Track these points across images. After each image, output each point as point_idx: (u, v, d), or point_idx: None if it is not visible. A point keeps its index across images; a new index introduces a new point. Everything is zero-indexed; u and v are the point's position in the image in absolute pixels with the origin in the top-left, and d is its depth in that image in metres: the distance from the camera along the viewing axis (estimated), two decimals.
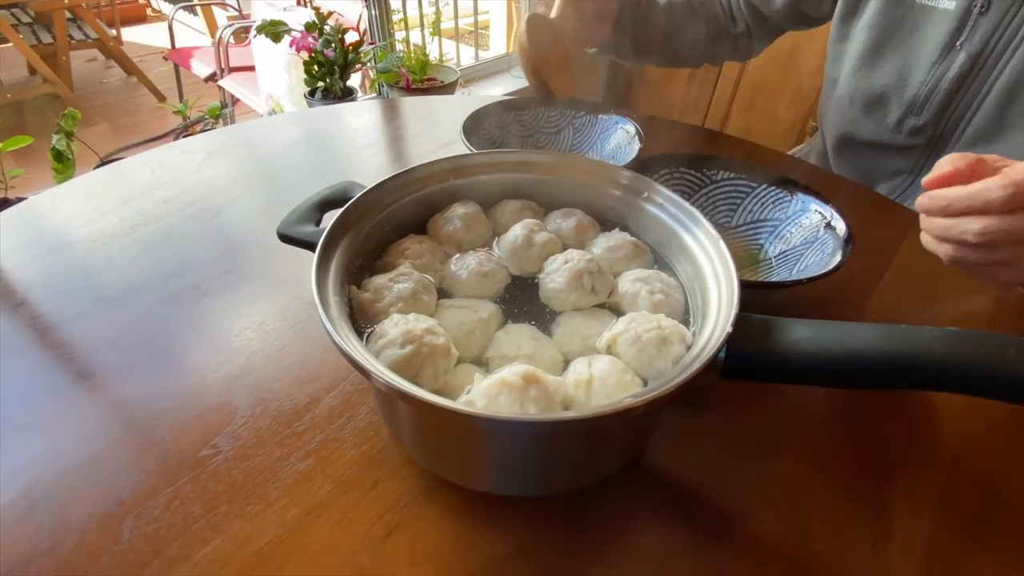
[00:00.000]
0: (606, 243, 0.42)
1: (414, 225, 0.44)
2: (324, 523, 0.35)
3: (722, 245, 0.35)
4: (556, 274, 0.38)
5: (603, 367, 0.31)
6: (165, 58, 2.67)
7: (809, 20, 0.74)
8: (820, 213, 0.51)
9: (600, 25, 0.68)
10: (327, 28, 1.20)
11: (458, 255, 0.41)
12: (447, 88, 1.50)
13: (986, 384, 0.27)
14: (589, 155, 0.69)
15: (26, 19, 2.63)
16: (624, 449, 0.36)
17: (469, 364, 0.34)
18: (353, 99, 1.37)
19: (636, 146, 0.62)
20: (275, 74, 1.55)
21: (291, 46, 1.22)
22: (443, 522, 0.35)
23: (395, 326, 0.32)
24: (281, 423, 0.41)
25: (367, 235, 0.39)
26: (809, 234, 0.51)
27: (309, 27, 1.18)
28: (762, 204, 0.56)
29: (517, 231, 0.41)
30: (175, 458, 0.39)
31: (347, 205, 0.38)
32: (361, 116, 0.89)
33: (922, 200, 0.39)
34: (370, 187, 0.40)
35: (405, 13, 1.66)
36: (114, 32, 3.09)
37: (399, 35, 1.68)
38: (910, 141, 0.65)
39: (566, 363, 0.34)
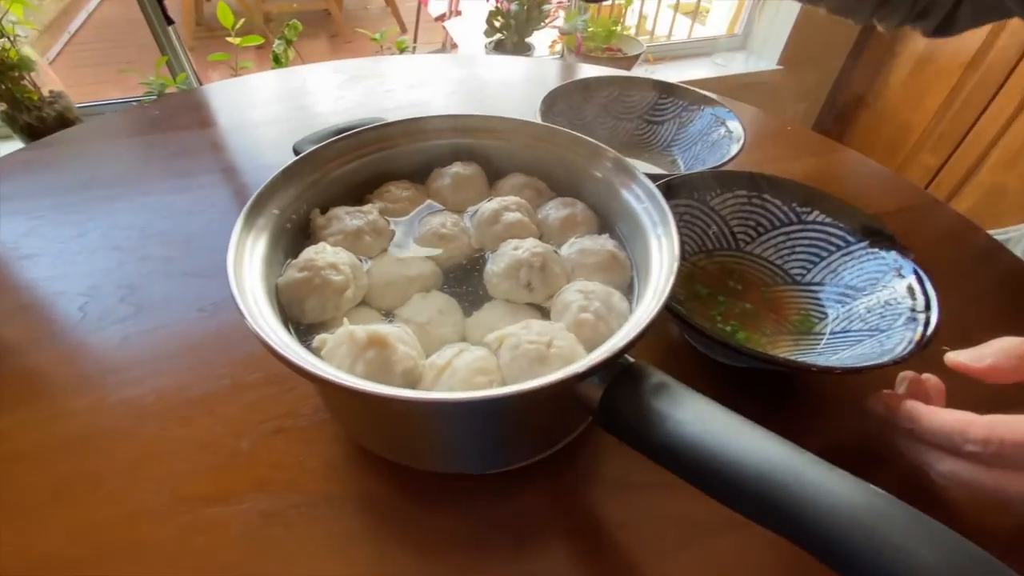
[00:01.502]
0: (583, 245, 0.37)
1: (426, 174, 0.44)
2: (235, 399, 0.40)
3: (672, 277, 0.29)
4: (500, 258, 0.35)
5: (467, 360, 0.29)
6: None
7: None
8: (914, 296, 0.38)
9: None
10: None
11: (433, 212, 0.40)
12: (626, 61, 1.43)
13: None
14: (684, 154, 0.61)
15: None
16: (483, 448, 0.33)
17: (375, 311, 0.34)
18: (528, 56, 1.39)
19: (732, 149, 0.53)
20: (474, 21, 1.63)
21: None
22: (325, 446, 0.37)
23: (307, 252, 0.33)
24: None
25: (359, 168, 0.41)
26: (889, 320, 0.39)
27: None
28: (854, 265, 0.44)
29: (490, 205, 0.39)
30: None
31: (348, 134, 0.40)
32: (493, 69, 0.90)
33: (901, 408, 0.31)
34: (380, 123, 0.41)
35: None
36: None
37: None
38: None
39: None
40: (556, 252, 0.37)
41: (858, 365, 0.33)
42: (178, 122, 0.73)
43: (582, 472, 0.37)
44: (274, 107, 0.77)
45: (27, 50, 1.22)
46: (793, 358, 0.40)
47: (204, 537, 0.33)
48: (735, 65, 1.79)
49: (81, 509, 0.34)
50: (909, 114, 1.74)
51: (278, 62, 1.26)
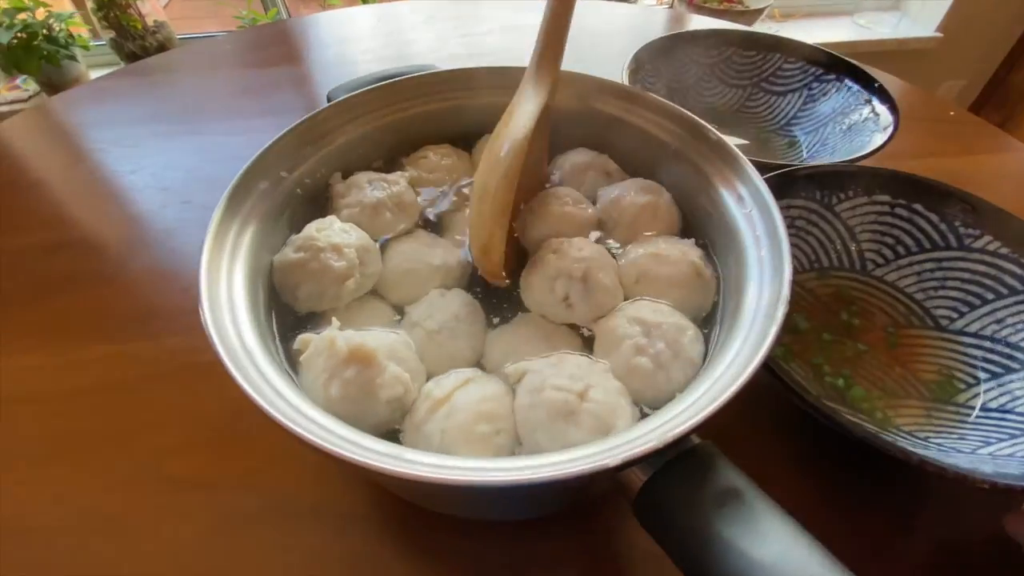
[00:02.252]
0: (659, 248, 0.28)
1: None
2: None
3: (775, 327, 0.20)
4: (536, 263, 0.28)
5: (473, 397, 0.22)
6: None
7: None
8: None
9: None
10: None
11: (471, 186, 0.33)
12: (746, 16, 1.23)
13: None
14: (808, 136, 0.48)
15: None
16: (489, 505, 0.27)
17: (385, 304, 0.28)
18: (631, 2, 1.23)
19: (876, 139, 0.41)
20: None
21: None
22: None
23: (311, 228, 0.28)
24: None
25: (396, 125, 0.34)
26: None
27: None
28: None
29: (541, 194, 0.31)
30: None
31: (383, 83, 0.33)
32: (592, 15, 0.79)
33: None
34: (423, 72, 0.34)
35: None
36: None
37: None
38: None
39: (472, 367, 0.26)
40: (613, 254, 0.29)
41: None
42: (248, 59, 0.71)
43: (620, 517, 0.29)
44: (348, 46, 0.71)
45: None
46: (924, 440, 0.29)
47: (176, 524, 0.30)
48: (882, 28, 1.50)
49: (72, 471, 0.32)
50: None
51: (366, 0, 1.21)
